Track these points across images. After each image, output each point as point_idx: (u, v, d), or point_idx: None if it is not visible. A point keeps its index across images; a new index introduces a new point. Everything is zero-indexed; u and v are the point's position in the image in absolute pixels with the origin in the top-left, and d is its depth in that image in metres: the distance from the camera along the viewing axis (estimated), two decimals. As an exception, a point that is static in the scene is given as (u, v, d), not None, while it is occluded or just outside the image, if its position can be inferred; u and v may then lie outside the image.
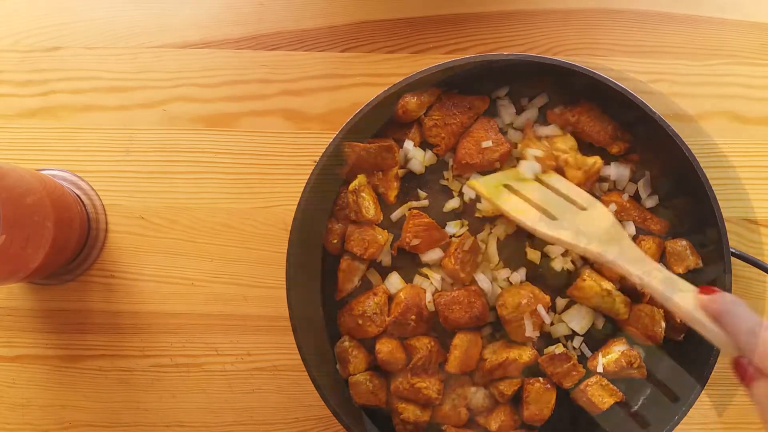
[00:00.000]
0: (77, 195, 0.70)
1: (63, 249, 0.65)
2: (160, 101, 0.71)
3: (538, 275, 0.66)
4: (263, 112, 0.71)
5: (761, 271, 0.63)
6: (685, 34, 0.71)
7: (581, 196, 0.61)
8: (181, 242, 0.70)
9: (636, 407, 0.65)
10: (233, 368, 0.69)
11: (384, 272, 0.67)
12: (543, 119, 0.67)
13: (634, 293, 0.64)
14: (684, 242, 0.64)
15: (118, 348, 0.70)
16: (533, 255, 0.65)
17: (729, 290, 0.60)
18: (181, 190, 0.70)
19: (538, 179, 0.63)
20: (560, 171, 0.64)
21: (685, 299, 0.51)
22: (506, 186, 0.62)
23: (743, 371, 0.43)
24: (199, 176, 0.70)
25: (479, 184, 0.63)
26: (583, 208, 0.60)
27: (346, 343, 0.65)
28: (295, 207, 0.70)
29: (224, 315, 0.70)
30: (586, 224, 0.58)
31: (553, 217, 0.59)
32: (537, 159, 0.63)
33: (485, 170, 0.65)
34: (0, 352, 0.70)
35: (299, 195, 0.70)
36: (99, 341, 0.70)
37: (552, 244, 0.64)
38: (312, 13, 0.72)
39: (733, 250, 0.61)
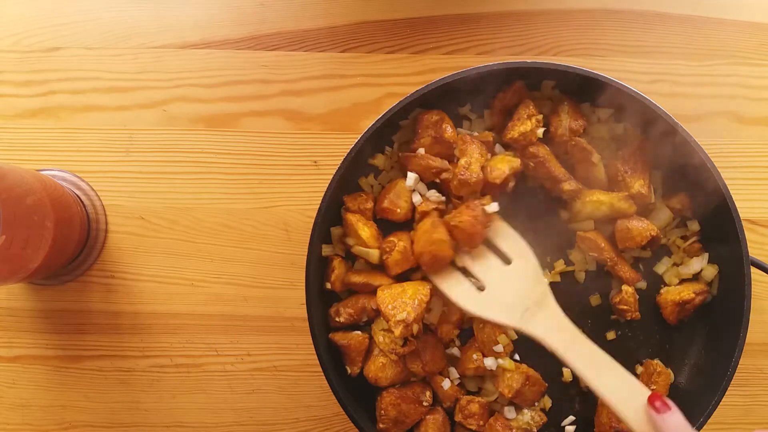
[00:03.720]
0: (77, 195, 0.70)
1: (63, 249, 0.64)
2: (160, 101, 0.71)
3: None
4: (263, 112, 0.71)
5: (761, 272, 0.63)
6: (685, 34, 0.71)
7: (509, 242, 0.60)
8: (181, 243, 0.70)
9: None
10: (233, 368, 0.69)
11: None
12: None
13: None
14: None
15: (118, 348, 0.70)
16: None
17: (749, 301, 0.60)
18: (181, 190, 0.70)
19: None
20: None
21: (627, 404, 0.48)
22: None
23: None
24: (199, 176, 0.70)
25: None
26: (509, 261, 0.59)
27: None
28: (296, 207, 0.70)
29: (224, 315, 0.70)
30: (511, 283, 0.58)
31: (482, 287, 0.59)
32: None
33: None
34: (0, 353, 0.70)
35: (299, 195, 0.70)
36: (99, 342, 0.70)
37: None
38: (312, 13, 0.72)
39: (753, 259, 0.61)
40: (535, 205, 0.67)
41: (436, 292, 0.62)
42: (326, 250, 0.64)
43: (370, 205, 0.65)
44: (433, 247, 0.60)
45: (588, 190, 0.64)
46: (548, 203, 0.67)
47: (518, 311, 0.57)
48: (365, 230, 0.63)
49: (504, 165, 0.62)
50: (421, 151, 0.64)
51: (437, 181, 0.64)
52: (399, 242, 0.63)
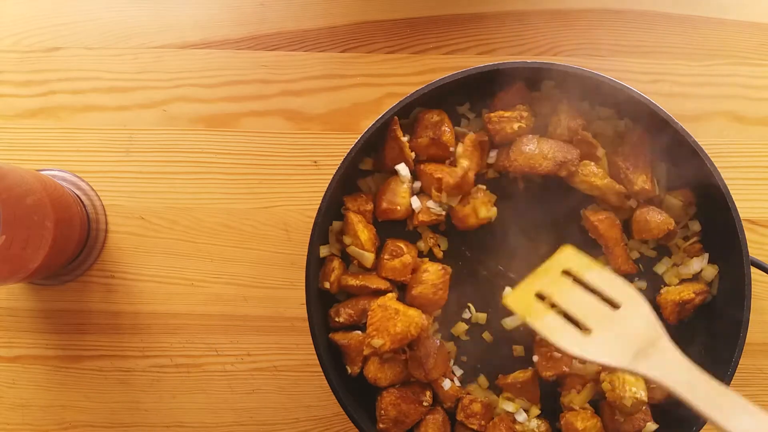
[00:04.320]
0: (77, 195, 0.70)
1: (63, 249, 0.64)
2: (160, 101, 0.71)
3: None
4: (263, 112, 0.71)
5: (761, 272, 0.63)
6: (685, 35, 0.71)
7: (617, 289, 0.56)
8: (181, 243, 0.70)
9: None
10: (233, 368, 0.69)
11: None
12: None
13: None
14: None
15: (118, 348, 0.70)
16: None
17: (749, 301, 0.60)
18: (181, 190, 0.70)
19: (571, 274, 0.57)
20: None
21: (747, 428, 0.45)
22: (539, 295, 0.57)
23: None
24: (199, 176, 0.70)
25: (512, 301, 0.58)
26: (617, 306, 0.55)
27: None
28: (296, 207, 0.70)
29: (224, 315, 0.70)
30: (620, 327, 0.54)
31: (587, 329, 0.55)
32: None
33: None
34: (0, 353, 0.70)
35: (299, 195, 0.70)
36: (99, 342, 0.70)
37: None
38: (312, 13, 0.72)
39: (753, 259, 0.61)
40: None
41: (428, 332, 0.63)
42: (324, 251, 0.64)
43: (370, 207, 0.65)
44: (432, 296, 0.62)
45: (586, 166, 0.64)
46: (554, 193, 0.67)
47: (629, 353, 0.53)
48: (365, 233, 0.63)
49: (485, 212, 0.64)
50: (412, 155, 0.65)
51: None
52: (406, 254, 0.63)
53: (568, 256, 0.58)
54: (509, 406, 0.64)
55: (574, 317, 0.55)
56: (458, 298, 0.66)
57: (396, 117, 0.62)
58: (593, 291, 0.56)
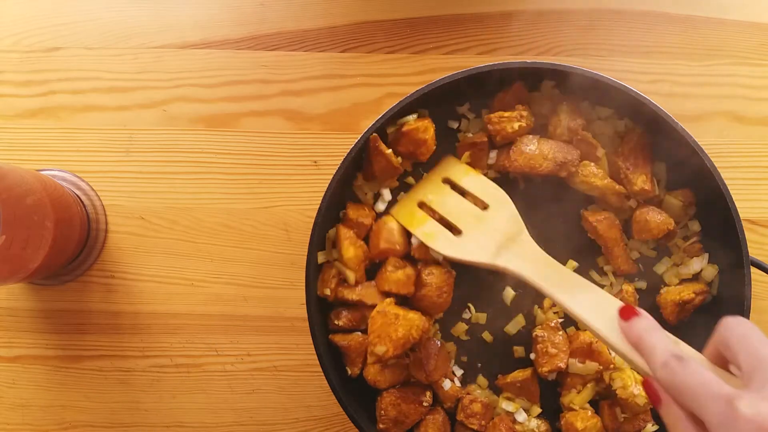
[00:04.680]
0: (77, 195, 0.70)
1: (63, 249, 0.64)
2: (160, 101, 0.71)
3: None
4: (263, 112, 0.71)
5: (761, 272, 0.63)
6: (685, 35, 0.71)
7: (487, 191, 0.62)
8: (181, 243, 0.70)
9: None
10: (233, 368, 0.69)
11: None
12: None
13: None
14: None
15: (118, 348, 0.70)
16: None
17: (749, 301, 0.60)
18: (181, 190, 0.70)
19: (450, 181, 0.63)
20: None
21: (603, 319, 0.48)
22: (421, 204, 0.63)
23: (654, 393, 0.42)
24: (199, 176, 0.70)
25: (397, 213, 0.64)
26: (486, 206, 0.61)
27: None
28: (296, 207, 0.70)
29: (224, 315, 0.70)
30: (488, 226, 0.60)
31: (458, 231, 0.61)
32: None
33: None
34: (0, 353, 0.70)
35: (299, 195, 0.70)
36: (99, 342, 0.70)
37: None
38: (312, 13, 0.72)
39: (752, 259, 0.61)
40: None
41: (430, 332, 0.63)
42: (321, 257, 0.64)
43: (369, 221, 0.64)
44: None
45: (586, 166, 0.64)
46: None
47: (492, 248, 0.59)
48: (350, 250, 0.62)
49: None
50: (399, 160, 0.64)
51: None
52: (409, 265, 0.63)
53: (448, 165, 0.65)
54: (509, 406, 0.64)
55: (448, 221, 0.61)
56: (458, 298, 0.66)
57: (375, 134, 0.62)
58: (469, 195, 0.62)
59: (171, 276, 0.70)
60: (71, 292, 0.70)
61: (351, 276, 0.63)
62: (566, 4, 0.71)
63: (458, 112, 0.67)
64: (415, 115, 0.64)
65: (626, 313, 0.47)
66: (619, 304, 0.49)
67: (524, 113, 0.64)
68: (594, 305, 0.50)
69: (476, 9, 0.72)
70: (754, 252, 0.66)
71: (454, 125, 0.67)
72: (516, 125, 0.63)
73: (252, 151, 0.70)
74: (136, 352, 0.70)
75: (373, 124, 0.61)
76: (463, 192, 0.63)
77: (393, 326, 0.59)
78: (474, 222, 0.61)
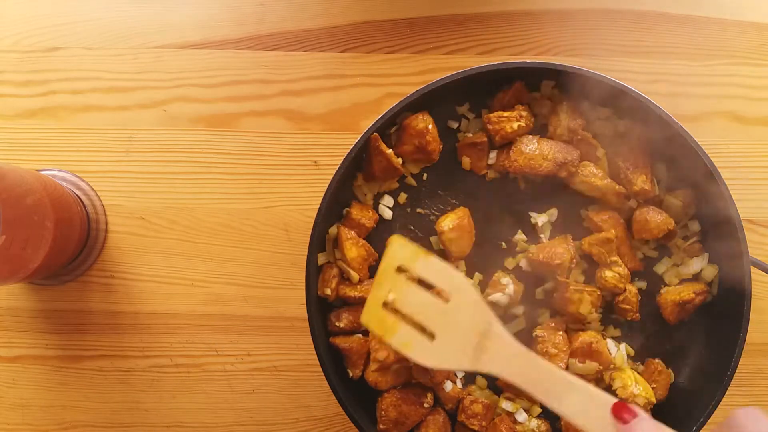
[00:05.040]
0: (77, 195, 0.70)
1: (63, 249, 0.64)
2: (160, 101, 0.71)
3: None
4: (263, 112, 0.71)
5: (761, 272, 0.63)
6: (685, 35, 0.71)
7: (444, 279, 0.54)
8: (181, 242, 0.70)
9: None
10: (233, 368, 0.69)
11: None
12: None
13: None
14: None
15: (118, 348, 0.70)
16: None
17: (749, 301, 0.60)
18: (181, 190, 0.70)
19: (404, 271, 0.55)
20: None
21: (594, 421, 0.46)
22: (385, 305, 0.55)
23: None
24: (199, 176, 0.70)
25: (367, 321, 0.56)
26: (448, 298, 0.53)
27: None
28: (296, 207, 0.70)
29: (224, 315, 0.70)
30: (457, 323, 0.53)
31: (432, 334, 0.53)
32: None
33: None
34: (0, 353, 0.70)
35: (299, 195, 0.70)
36: (99, 341, 0.70)
37: None
38: (312, 13, 0.72)
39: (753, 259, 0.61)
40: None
41: None
42: (321, 258, 0.64)
43: (371, 224, 0.65)
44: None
45: (586, 166, 0.64)
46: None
47: (469, 350, 0.52)
48: (352, 250, 0.63)
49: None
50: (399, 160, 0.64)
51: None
52: None
53: (396, 250, 0.56)
54: (509, 406, 0.64)
55: (418, 323, 0.54)
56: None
57: (376, 134, 0.62)
58: (427, 284, 0.54)
59: (171, 276, 0.70)
60: (71, 292, 0.70)
61: (355, 276, 0.63)
62: (566, 4, 0.71)
63: (458, 112, 0.67)
64: (407, 113, 0.64)
65: (621, 413, 0.45)
66: (610, 401, 0.47)
67: (524, 113, 0.64)
68: (583, 405, 0.48)
69: (476, 9, 0.72)
70: (754, 252, 0.66)
71: (454, 125, 0.67)
72: (515, 125, 0.63)
73: (252, 151, 0.70)
74: (136, 352, 0.70)
75: (373, 124, 0.61)
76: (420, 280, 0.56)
77: None
78: (442, 320, 0.53)
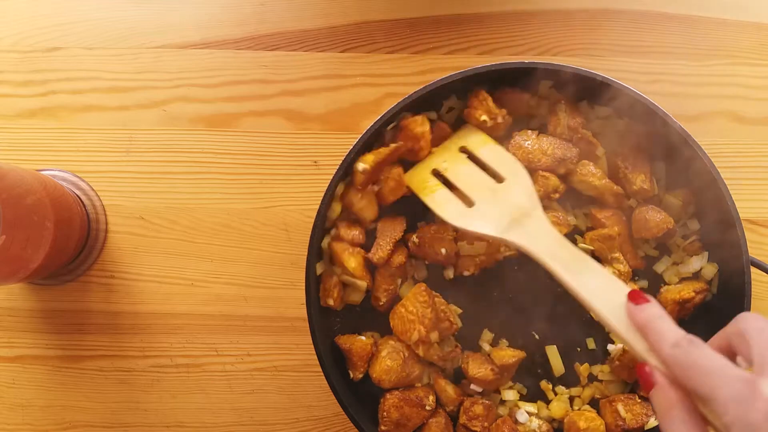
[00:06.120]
0: (77, 195, 0.70)
1: (63, 249, 0.64)
2: (160, 101, 0.71)
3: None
4: (263, 112, 0.71)
5: (761, 272, 0.63)
6: (685, 35, 0.71)
7: (504, 164, 0.60)
8: (181, 242, 0.70)
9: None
10: (233, 369, 0.69)
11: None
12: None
13: None
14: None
15: (118, 348, 0.70)
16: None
17: (749, 300, 0.60)
18: (181, 190, 0.70)
19: (467, 151, 0.62)
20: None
21: (606, 303, 0.48)
22: (435, 172, 0.62)
23: (647, 378, 0.43)
24: (199, 176, 0.70)
25: (410, 179, 0.63)
26: (502, 179, 0.60)
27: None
28: (296, 207, 0.70)
29: (224, 315, 0.69)
30: (502, 199, 0.58)
31: (471, 203, 0.59)
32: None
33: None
34: (0, 353, 0.70)
35: (299, 195, 0.70)
36: (99, 342, 0.70)
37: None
38: (312, 13, 0.72)
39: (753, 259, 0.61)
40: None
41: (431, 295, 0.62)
42: (320, 269, 0.63)
43: (361, 238, 0.64)
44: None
45: (585, 166, 0.64)
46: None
47: (503, 223, 0.57)
48: (351, 261, 0.62)
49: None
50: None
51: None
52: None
53: (467, 134, 0.63)
54: (510, 395, 0.64)
55: (462, 191, 0.60)
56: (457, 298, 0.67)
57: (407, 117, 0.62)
58: (486, 166, 0.61)
59: (171, 276, 0.70)
60: (71, 292, 0.70)
61: (362, 284, 0.63)
62: (566, 4, 0.71)
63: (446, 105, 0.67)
64: (407, 113, 0.64)
65: (637, 298, 0.47)
66: (626, 289, 0.49)
67: (501, 119, 0.63)
68: (600, 288, 0.49)
69: (476, 9, 0.72)
70: (754, 252, 0.66)
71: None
72: (483, 117, 0.63)
73: (252, 151, 0.70)
74: (136, 352, 0.70)
75: (373, 124, 0.61)
76: (480, 163, 0.62)
77: (406, 314, 0.61)
78: (487, 194, 0.59)
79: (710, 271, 0.64)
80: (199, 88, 0.71)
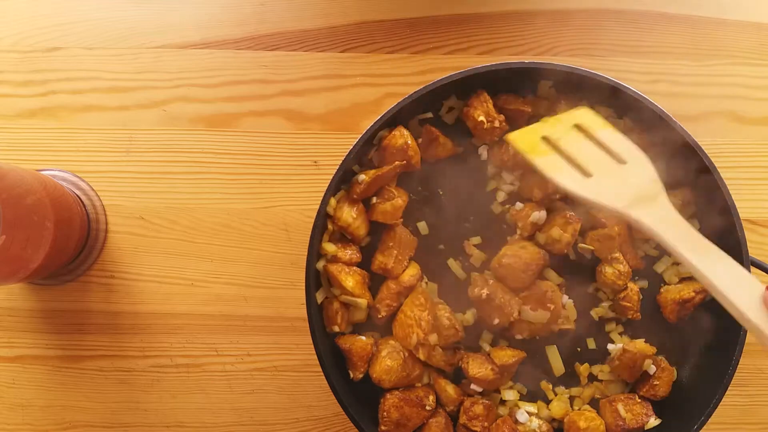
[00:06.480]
0: (77, 195, 0.70)
1: (63, 249, 0.64)
2: (160, 101, 0.71)
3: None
4: (263, 112, 0.71)
5: (761, 272, 0.63)
6: (685, 35, 0.71)
7: (624, 147, 0.56)
8: (181, 242, 0.70)
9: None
10: (233, 369, 0.69)
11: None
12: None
13: None
14: None
15: (118, 348, 0.70)
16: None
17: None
18: (181, 190, 0.70)
19: (581, 128, 0.57)
20: None
21: (739, 292, 0.45)
22: (545, 138, 0.57)
23: None
24: (199, 176, 0.70)
25: (515, 138, 0.58)
26: (623, 162, 0.55)
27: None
28: (296, 207, 0.70)
29: (224, 315, 0.70)
30: (622, 179, 0.54)
31: (588, 174, 0.54)
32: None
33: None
34: (0, 353, 0.70)
35: (299, 195, 0.70)
36: (99, 342, 0.70)
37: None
38: (312, 13, 0.72)
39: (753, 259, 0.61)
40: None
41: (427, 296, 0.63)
42: (320, 297, 0.63)
43: (356, 257, 0.64)
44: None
45: None
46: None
47: (627, 199, 0.53)
48: (349, 280, 0.62)
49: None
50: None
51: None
52: (398, 198, 0.64)
53: (584, 113, 0.58)
54: (510, 395, 0.64)
55: (577, 162, 0.55)
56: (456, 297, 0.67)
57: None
58: (605, 147, 0.56)
59: (171, 276, 0.70)
60: (71, 292, 0.70)
61: (363, 302, 0.63)
62: (566, 4, 0.71)
63: (446, 105, 0.67)
64: (383, 131, 0.64)
65: None
66: (757, 281, 0.47)
67: (500, 121, 0.63)
68: (731, 277, 0.47)
69: (476, 9, 0.72)
70: (754, 252, 0.66)
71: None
72: (481, 118, 0.63)
73: (252, 151, 0.71)
74: (136, 352, 0.70)
75: (373, 124, 0.61)
76: (597, 144, 0.57)
77: (405, 320, 0.62)
78: (607, 170, 0.54)
79: None
80: (199, 88, 0.71)
